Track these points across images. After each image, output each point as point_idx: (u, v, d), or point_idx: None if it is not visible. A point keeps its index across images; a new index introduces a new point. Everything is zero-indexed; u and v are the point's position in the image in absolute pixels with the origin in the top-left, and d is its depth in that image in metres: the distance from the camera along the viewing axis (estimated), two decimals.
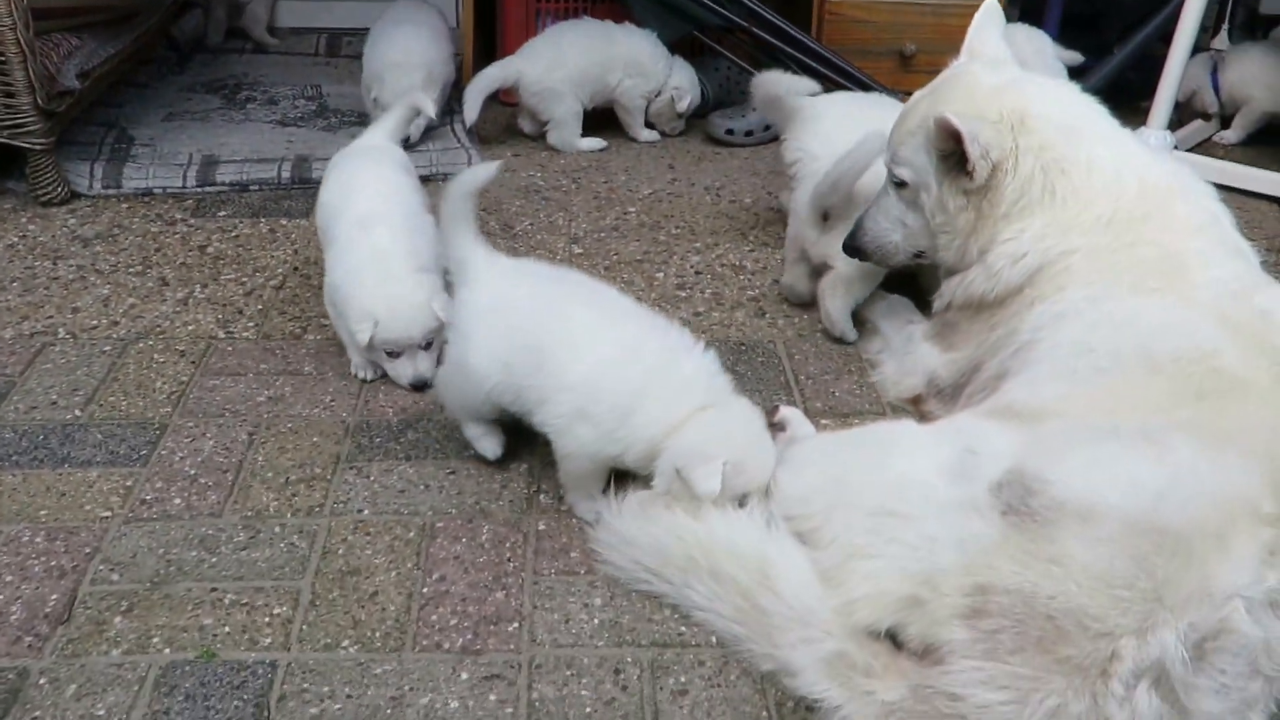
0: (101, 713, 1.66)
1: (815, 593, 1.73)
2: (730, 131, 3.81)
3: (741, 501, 1.87)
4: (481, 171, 2.12)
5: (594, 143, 3.75)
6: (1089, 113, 2.21)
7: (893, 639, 1.70)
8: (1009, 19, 2.53)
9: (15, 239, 3.05)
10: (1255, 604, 1.53)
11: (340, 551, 1.98)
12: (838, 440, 2.01)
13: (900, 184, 2.32)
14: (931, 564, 1.66)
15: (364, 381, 2.44)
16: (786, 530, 1.83)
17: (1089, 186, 2.09)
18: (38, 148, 3.15)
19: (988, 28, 2.36)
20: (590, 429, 1.93)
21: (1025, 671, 1.54)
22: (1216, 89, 4.00)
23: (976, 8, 3.80)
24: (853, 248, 2.48)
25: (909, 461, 1.81)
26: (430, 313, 2.33)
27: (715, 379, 1.97)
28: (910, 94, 2.99)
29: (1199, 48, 3.74)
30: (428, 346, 2.38)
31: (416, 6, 3.79)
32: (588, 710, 1.69)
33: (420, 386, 2.38)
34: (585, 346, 1.94)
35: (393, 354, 2.39)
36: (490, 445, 2.16)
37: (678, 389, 1.91)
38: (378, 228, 2.42)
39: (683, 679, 1.75)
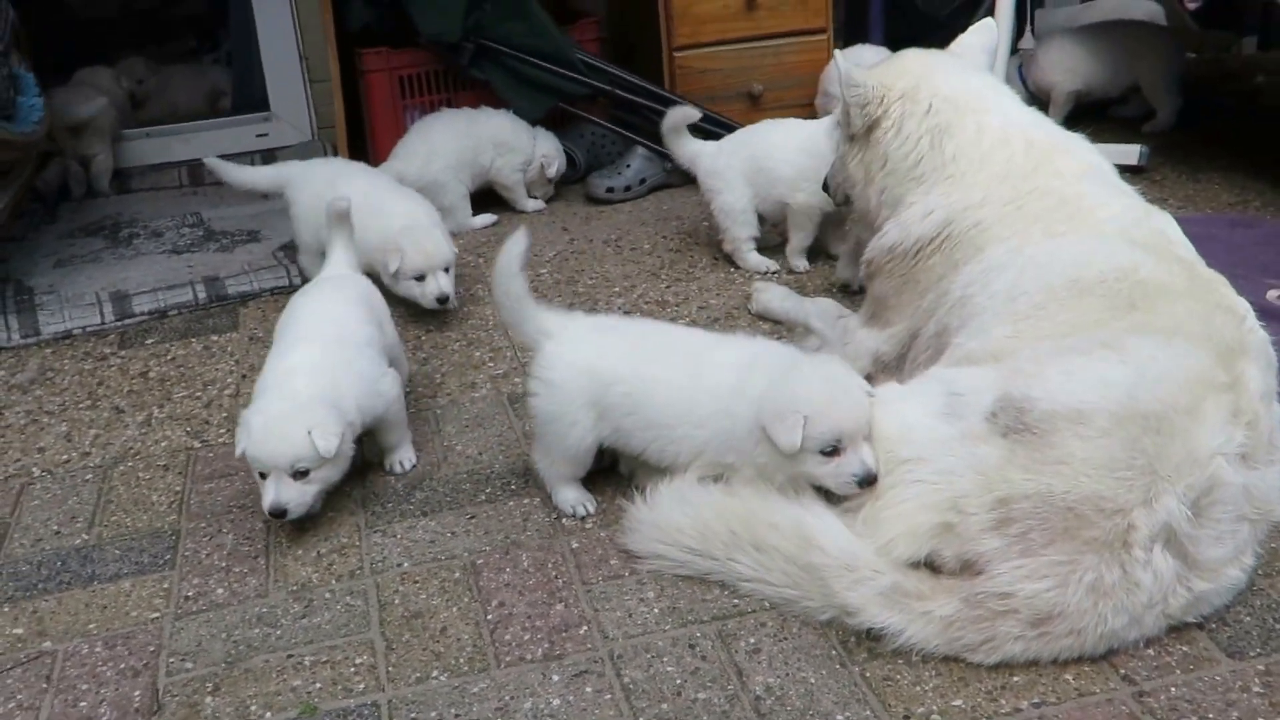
0: None
1: (854, 542, 1.93)
2: (611, 189, 4.05)
3: (836, 449, 1.99)
4: (514, 246, 2.25)
5: (486, 219, 3.94)
6: (984, 88, 2.50)
7: (929, 567, 1.91)
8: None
9: None
10: (1231, 458, 1.81)
11: (397, 601, 2.09)
12: None
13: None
14: (952, 492, 1.89)
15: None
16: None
17: (979, 147, 2.38)
18: None
19: (973, 34, 2.68)
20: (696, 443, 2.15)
21: (1060, 558, 1.77)
22: (1026, 85, 4.44)
23: (810, 46, 4.23)
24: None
25: (901, 415, 2.04)
26: (303, 443, 2.18)
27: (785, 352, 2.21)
28: None
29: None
30: (300, 475, 2.22)
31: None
32: (678, 682, 1.85)
33: (278, 514, 2.21)
34: (689, 378, 2.16)
35: (264, 475, 2.24)
36: (586, 502, 2.30)
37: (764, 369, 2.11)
38: (300, 348, 2.42)
39: (752, 640, 1.92)
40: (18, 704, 1.92)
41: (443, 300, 3.08)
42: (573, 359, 2.22)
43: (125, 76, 5.09)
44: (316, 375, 2.32)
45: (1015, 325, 2.17)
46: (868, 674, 1.84)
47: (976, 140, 2.40)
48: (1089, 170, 2.40)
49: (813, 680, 1.83)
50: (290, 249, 3.78)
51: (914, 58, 2.54)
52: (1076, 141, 2.46)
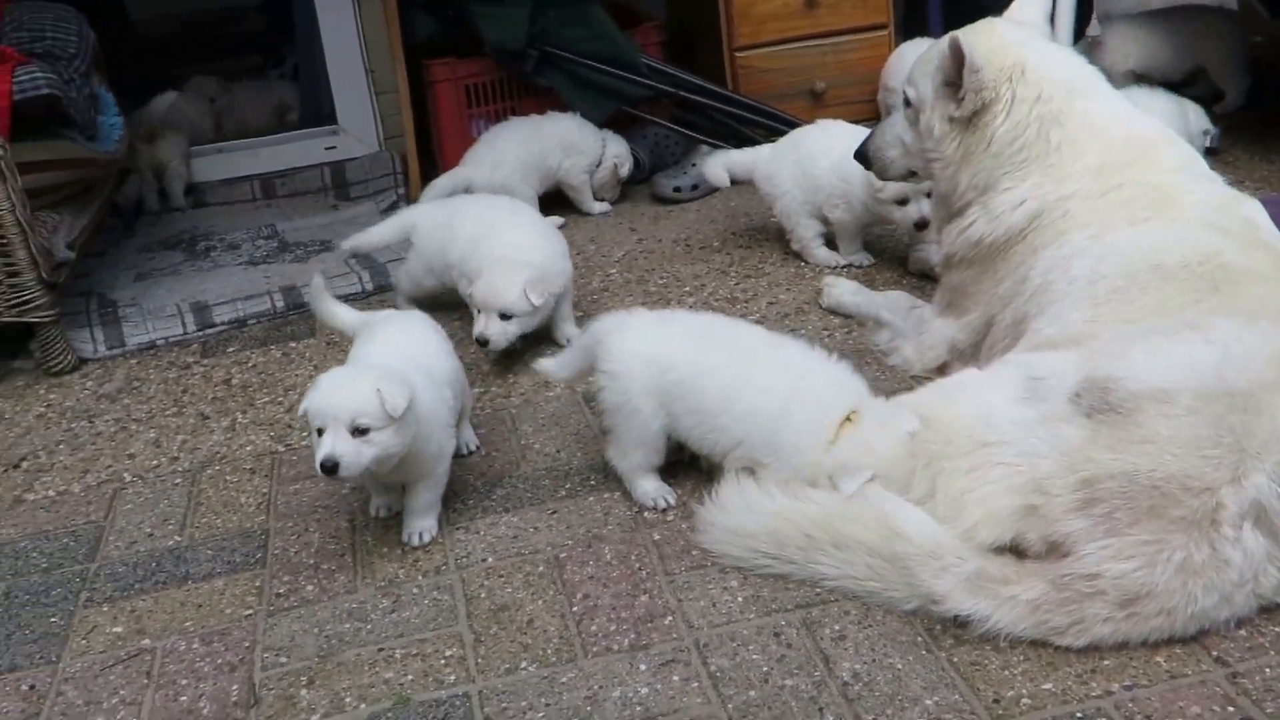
0: None
1: (938, 529, 1.94)
2: (678, 189, 4.07)
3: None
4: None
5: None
6: (1086, 74, 2.49)
7: (1014, 551, 1.91)
8: None
9: (42, 409, 3.13)
10: None
11: (483, 596, 2.12)
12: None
13: (908, 104, 2.62)
14: (1035, 474, 1.89)
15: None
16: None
17: (1082, 137, 2.38)
18: (46, 320, 3.25)
19: (1029, 4, 2.64)
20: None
21: (1147, 537, 1.76)
22: None
23: (871, 42, 4.23)
24: (859, 153, 2.82)
25: (982, 400, 2.04)
26: (369, 399, 2.10)
27: (852, 386, 2.20)
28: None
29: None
30: (360, 433, 2.11)
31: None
32: (765, 670, 1.86)
33: (329, 468, 2.10)
34: (746, 378, 2.20)
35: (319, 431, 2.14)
36: (666, 494, 2.33)
37: (815, 401, 2.14)
38: (372, 345, 2.41)
39: (836, 627, 1.93)
40: (121, 699, 1.98)
41: (481, 342, 2.89)
42: (634, 348, 2.29)
43: (199, 94, 5.20)
44: (394, 355, 2.31)
45: (1095, 310, 2.17)
46: (955, 659, 1.84)
47: (1081, 131, 2.40)
48: (1185, 161, 2.40)
49: (899, 666, 1.84)
50: (362, 257, 3.84)
51: (1008, 33, 2.51)
52: (1173, 135, 2.45)
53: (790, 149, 3.43)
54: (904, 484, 2.00)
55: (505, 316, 2.86)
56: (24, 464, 2.84)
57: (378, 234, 3.37)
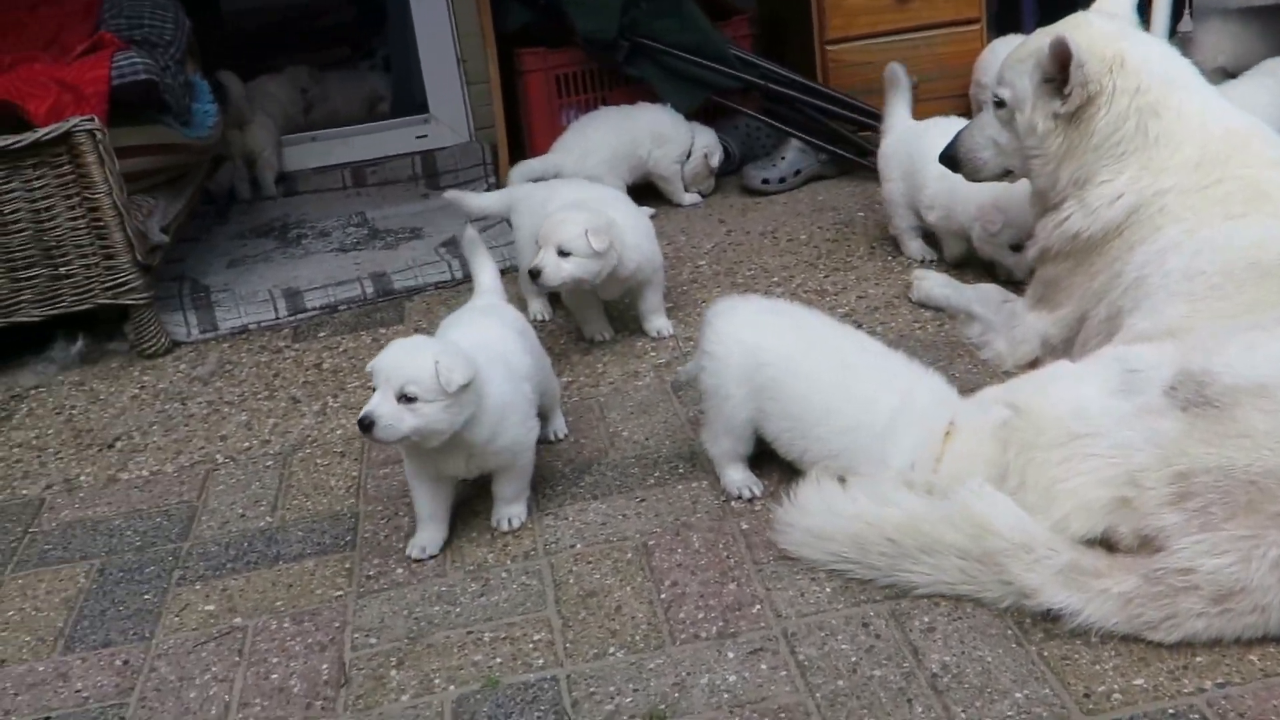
0: None
1: (1029, 521, 1.90)
2: (766, 181, 4.05)
3: None
4: None
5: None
6: (1181, 66, 2.44)
7: (1104, 545, 1.87)
8: None
9: (136, 390, 3.20)
10: None
11: (571, 581, 2.12)
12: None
13: (999, 104, 2.56)
14: (1129, 467, 1.84)
15: None
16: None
17: (1179, 130, 2.33)
18: (140, 303, 3.32)
19: None
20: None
21: (1242, 532, 1.72)
22: None
23: (963, 37, 4.16)
24: (949, 157, 2.76)
25: (1076, 392, 2.00)
26: (424, 368, 2.08)
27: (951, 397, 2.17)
28: (923, 119, 3.38)
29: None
30: (407, 400, 2.09)
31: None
32: (853, 660, 1.84)
33: (365, 425, 2.09)
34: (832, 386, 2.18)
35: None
36: (753, 484, 2.30)
37: (921, 419, 2.10)
38: (456, 330, 2.40)
39: (926, 619, 1.91)
40: (213, 676, 2.01)
41: (533, 274, 2.83)
42: (736, 334, 2.27)
43: (291, 83, 5.27)
44: (473, 344, 2.26)
45: (1191, 305, 2.13)
46: (1045, 653, 1.81)
47: (1178, 124, 2.36)
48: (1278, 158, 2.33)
49: (989, 659, 1.81)
50: (451, 245, 3.87)
51: (1103, 25, 2.46)
52: (1270, 131, 2.39)
53: (912, 138, 3.34)
54: (1000, 477, 1.96)
55: (563, 254, 2.83)
56: (118, 444, 2.90)
57: (481, 200, 3.44)
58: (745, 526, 2.22)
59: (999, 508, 1.92)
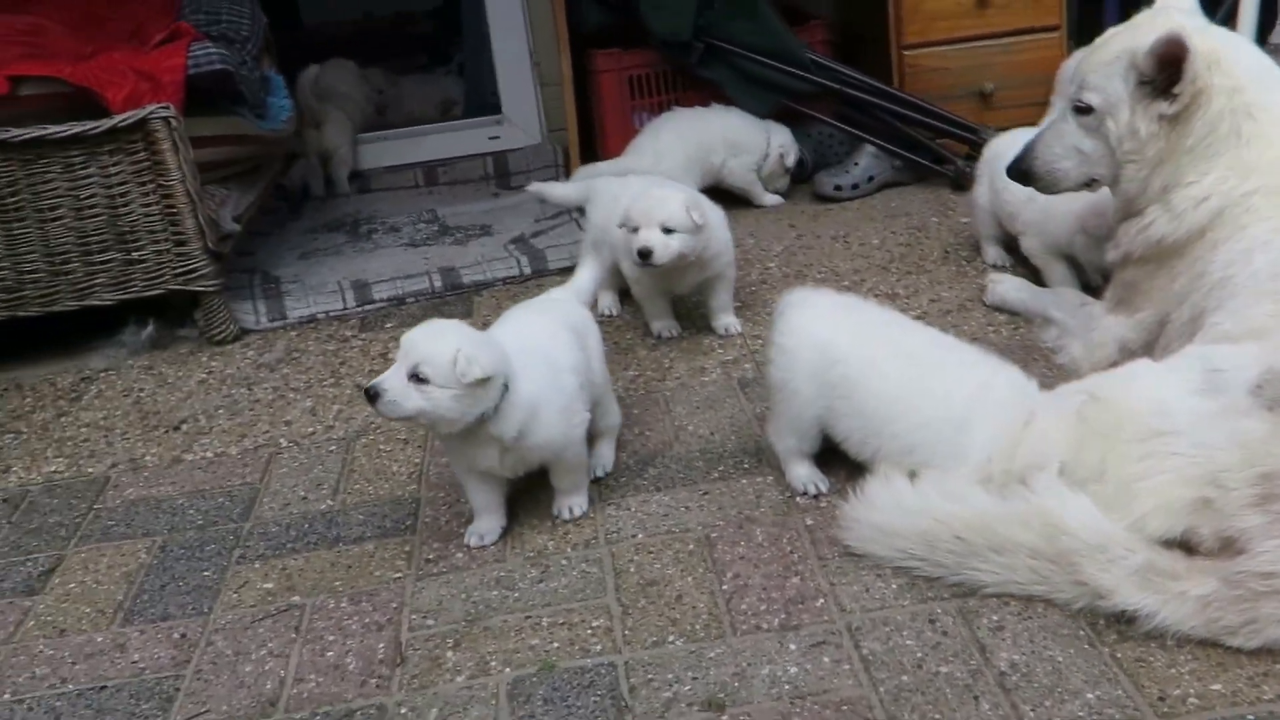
0: None
1: (1104, 521, 1.83)
2: (838, 187, 3.99)
3: None
4: None
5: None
6: (1268, 65, 2.36)
7: (1183, 547, 1.80)
8: None
9: (204, 375, 3.22)
10: None
11: (632, 570, 2.09)
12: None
13: (1083, 110, 2.46)
14: (1212, 466, 1.78)
15: None
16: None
17: (1271, 131, 2.25)
18: (210, 290, 3.34)
19: None
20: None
21: None
22: None
23: (1043, 44, 4.09)
24: (1020, 171, 2.63)
25: (1158, 389, 1.93)
26: (444, 353, 2.04)
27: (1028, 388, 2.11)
28: (1000, 129, 3.33)
29: None
30: (418, 381, 2.05)
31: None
32: (918, 656, 1.79)
33: (370, 395, 2.07)
34: (910, 379, 2.12)
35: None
36: (819, 481, 2.25)
37: (998, 410, 2.04)
38: (504, 326, 2.37)
39: (994, 618, 1.85)
40: (269, 651, 2.00)
41: (644, 254, 2.78)
42: (808, 329, 2.22)
43: (367, 83, 5.31)
44: (516, 338, 2.22)
45: (1278, 304, 2.05)
46: (1119, 655, 1.74)
47: (1270, 124, 2.28)
48: None
49: (1060, 659, 1.75)
50: (520, 242, 3.87)
51: (1187, 22, 2.38)
52: None
53: (998, 148, 3.20)
54: (1077, 468, 1.90)
55: (667, 231, 2.79)
56: (184, 426, 2.92)
57: (560, 190, 3.46)
58: (810, 522, 2.17)
59: (1074, 506, 1.86)
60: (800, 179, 4.13)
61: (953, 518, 1.94)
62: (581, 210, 3.52)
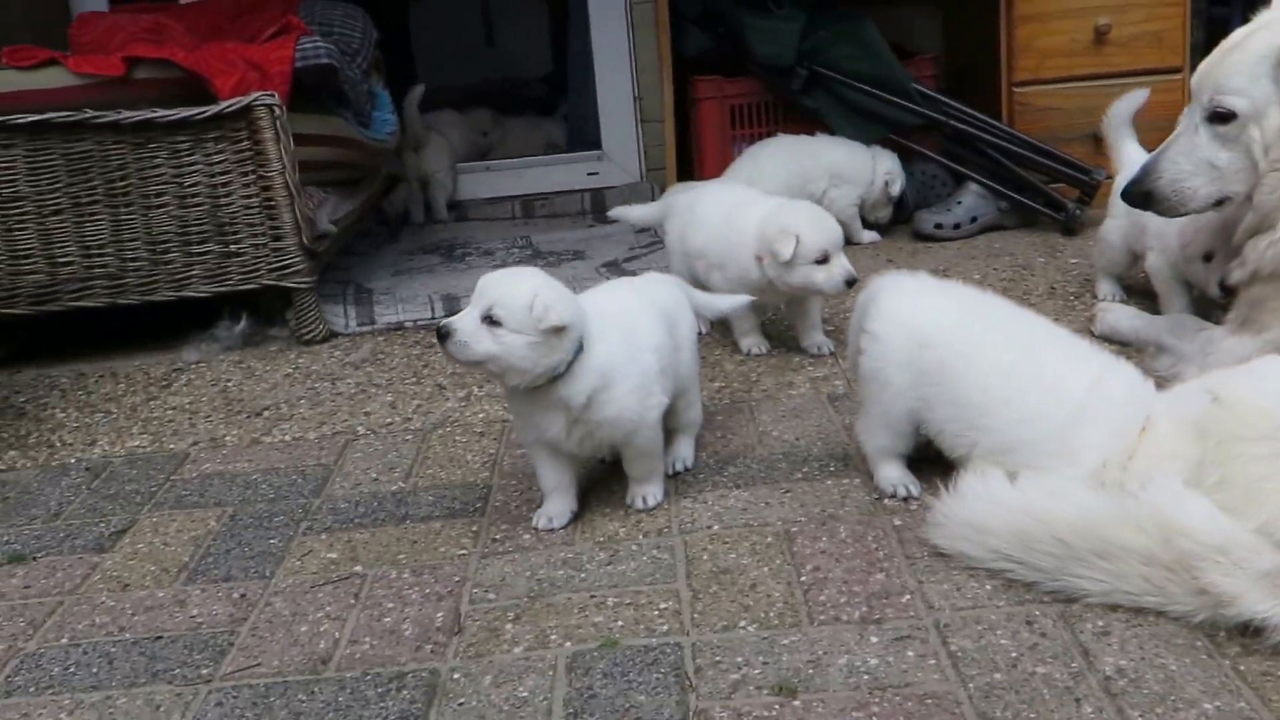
0: (525, 694, 1.66)
1: (1226, 522, 1.68)
2: (939, 225, 3.89)
3: None
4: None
5: None
6: None
7: None
8: None
9: (290, 370, 3.21)
10: None
11: (705, 558, 1.99)
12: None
13: (1221, 118, 2.32)
14: None
15: None
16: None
17: None
18: (303, 287, 3.34)
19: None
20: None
21: None
22: None
23: (1164, 87, 3.95)
24: (1141, 194, 2.44)
25: None
26: (519, 295, 1.97)
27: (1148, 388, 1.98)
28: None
29: None
30: (491, 323, 1.97)
31: None
32: (1013, 655, 1.65)
33: (442, 334, 2.01)
34: (1013, 373, 1.98)
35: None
36: (909, 484, 2.12)
37: (1115, 409, 1.91)
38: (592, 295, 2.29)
39: (1100, 623, 1.70)
40: (325, 614, 1.93)
41: (851, 281, 2.69)
42: (900, 312, 2.10)
43: (473, 125, 5.35)
44: (600, 306, 2.13)
45: None
46: (1241, 667, 1.59)
47: None
48: None
49: (1173, 667, 1.59)
50: (612, 265, 3.82)
51: None
52: None
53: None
54: (1197, 474, 1.75)
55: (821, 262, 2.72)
56: (265, 413, 2.89)
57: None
58: (898, 522, 2.05)
59: (1192, 507, 1.71)
60: (901, 218, 4.03)
61: (1054, 517, 1.80)
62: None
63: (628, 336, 2.10)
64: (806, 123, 4.02)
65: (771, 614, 1.80)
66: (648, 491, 2.18)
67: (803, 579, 1.89)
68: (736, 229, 2.84)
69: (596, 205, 4.78)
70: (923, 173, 4.09)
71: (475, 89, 6.91)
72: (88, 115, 3.16)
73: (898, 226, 4.07)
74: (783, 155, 3.82)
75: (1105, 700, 1.54)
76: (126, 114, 3.11)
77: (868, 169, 3.84)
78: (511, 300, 1.97)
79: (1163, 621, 1.69)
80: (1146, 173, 2.48)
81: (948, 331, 2.05)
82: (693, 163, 4.37)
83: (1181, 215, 2.51)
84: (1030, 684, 1.59)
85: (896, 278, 2.20)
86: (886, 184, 3.84)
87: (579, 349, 2.02)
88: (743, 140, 4.15)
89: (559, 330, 1.97)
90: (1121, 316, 2.81)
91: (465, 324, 1.98)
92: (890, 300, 2.13)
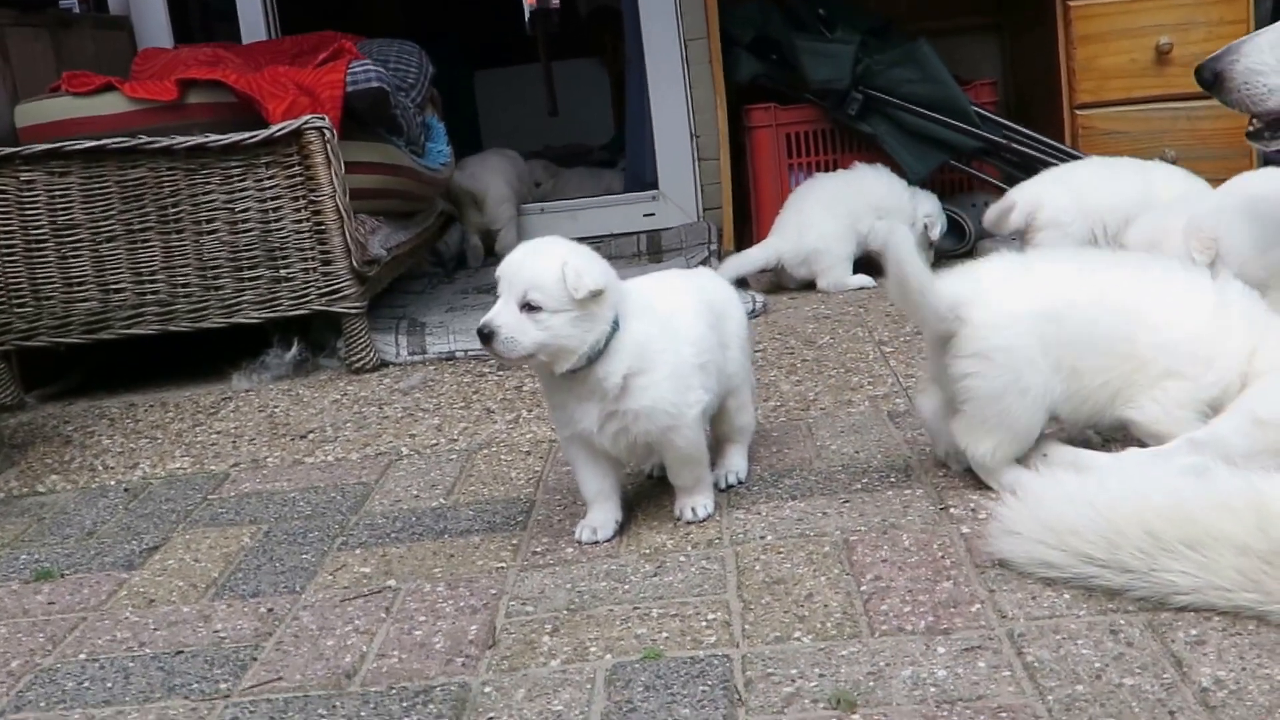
0: (559, 708, 1.54)
1: None
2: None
3: None
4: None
5: (864, 279, 3.73)
6: None
7: None
8: None
9: (338, 395, 3.14)
10: None
11: (757, 569, 1.86)
12: None
13: None
14: None
15: None
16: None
17: None
18: (353, 312, 3.27)
19: None
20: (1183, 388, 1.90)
21: None
22: None
23: (1229, 112, 3.78)
24: (1213, 74, 2.20)
25: None
26: (550, 271, 1.86)
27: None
28: None
29: None
30: (530, 310, 1.88)
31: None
32: (1097, 665, 1.50)
33: (485, 335, 1.92)
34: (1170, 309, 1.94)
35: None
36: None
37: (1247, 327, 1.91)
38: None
39: (1193, 632, 1.55)
40: (354, 628, 1.83)
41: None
42: (1011, 308, 1.93)
43: (529, 174, 5.30)
44: (636, 285, 2.03)
45: None
46: None
47: None
48: None
49: (1279, 677, 1.43)
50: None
51: None
52: None
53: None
54: None
55: None
56: (310, 435, 2.82)
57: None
58: (966, 530, 1.90)
59: None
60: (964, 253, 3.89)
61: (1143, 505, 1.63)
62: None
63: (663, 322, 1.98)
64: (863, 150, 3.91)
65: (829, 624, 1.66)
66: (696, 502, 2.05)
67: (863, 588, 1.75)
68: None
69: (653, 247, 4.70)
70: (985, 202, 3.94)
71: (538, 155, 6.93)
72: (142, 141, 3.15)
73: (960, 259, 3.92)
74: (825, 198, 3.73)
75: (1203, 713, 1.39)
76: (180, 139, 3.08)
77: (908, 207, 3.72)
78: (544, 279, 1.86)
79: (1265, 629, 1.53)
80: (1227, 51, 2.22)
81: (1069, 290, 1.95)
82: (748, 195, 4.27)
83: (1250, 112, 2.23)
84: (1117, 696, 1.43)
85: (967, 283, 1.98)
86: (926, 227, 3.71)
87: (615, 327, 1.91)
88: (800, 169, 4.05)
89: (596, 295, 1.86)
90: None
91: (506, 318, 1.88)
92: (996, 304, 1.95)
